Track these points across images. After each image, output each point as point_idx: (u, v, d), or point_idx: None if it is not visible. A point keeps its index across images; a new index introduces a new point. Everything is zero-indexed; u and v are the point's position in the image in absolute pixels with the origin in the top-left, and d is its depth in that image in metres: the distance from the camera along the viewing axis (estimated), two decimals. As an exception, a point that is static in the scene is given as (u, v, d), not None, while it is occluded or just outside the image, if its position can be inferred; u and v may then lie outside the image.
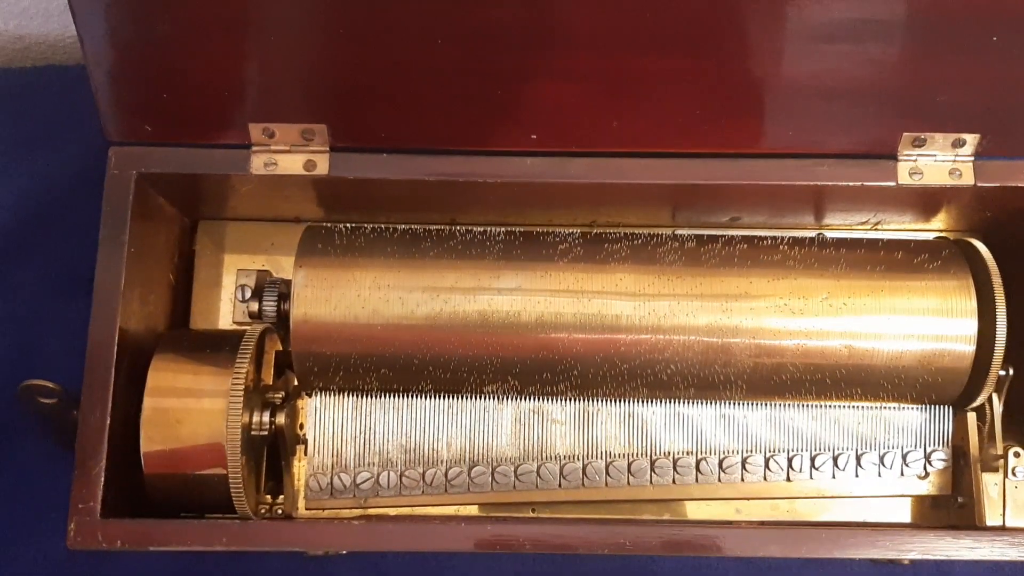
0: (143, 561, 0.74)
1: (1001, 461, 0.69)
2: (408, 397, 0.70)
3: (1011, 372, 0.68)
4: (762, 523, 0.72)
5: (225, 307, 0.76)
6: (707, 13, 0.61)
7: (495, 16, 0.62)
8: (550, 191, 0.68)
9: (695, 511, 0.73)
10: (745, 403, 0.71)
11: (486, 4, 0.61)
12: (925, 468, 0.72)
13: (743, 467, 0.71)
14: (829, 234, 0.76)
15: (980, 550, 0.62)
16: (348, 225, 0.70)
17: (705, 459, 0.71)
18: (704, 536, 0.63)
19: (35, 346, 0.79)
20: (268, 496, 0.70)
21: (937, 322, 0.67)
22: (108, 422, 0.62)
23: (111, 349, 0.63)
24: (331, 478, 0.70)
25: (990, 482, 0.69)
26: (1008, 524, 0.68)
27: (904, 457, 0.71)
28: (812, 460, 0.71)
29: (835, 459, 0.71)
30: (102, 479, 0.61)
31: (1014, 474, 0.68)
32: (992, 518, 0.68)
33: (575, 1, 0.61)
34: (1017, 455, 0.68)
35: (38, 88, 0.86)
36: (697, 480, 0.71)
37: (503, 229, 0.70)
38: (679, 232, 0.73)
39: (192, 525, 0.62)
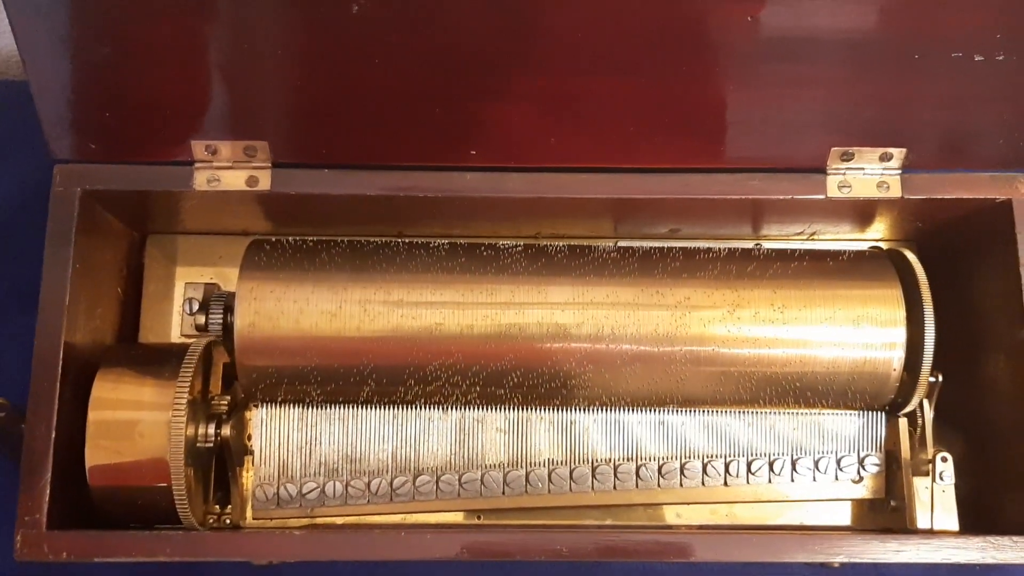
0: (92, 573, 0.74)
1: (931, 465, 0.70)
2: (353, 408, 0.71)
3: (940, 379, 0.70)
4: (700, 527, 0.74)
5: (176, 320, 0.77)
6: (642, 35, 0.63)
7: (434, 39, 0.63)
8: (490, 205, 0.70)
9: (636, 516, 0.75)
10: (683, 410, 0.73)
11: (424, 27, 0.62)
12: (859, 472, 0.73)
13: (681, 472, 0.72)
14: (767, 244, 0.78)
15: (905, 553, 0.64)
16: (292, 238, 0.71)
17: (645, 464, 0.72)
18: (639, 543, 0.64)
19: (-13, 360, 0.80)
20: (216, 506, 0.71)
21: (867, 331, 0.68)
22: (53, 436, 0.63)
23: (56, 364, 0.64)
24: (278, 488, 0.71)
25: (920, 486, 0.71)
26: (936, 527, 0.70)
27: (839, 462, 0.73)
28: (748, 465, 0.73)
29: (771, 464, 0.73)
30: (48, 492, 0.62)
31: (941, 478, 0.70)
32: (923, 521, 0.70)
33: (512, 25, 0.62)
34: (944, 460, 0.70)
35: (-9, 102, 0.87)
36: (637, 486, 0.72)
37: (447, 242, 0.72)
38: (621, 244, 0.74)
39: (137, 536, 0.63)
